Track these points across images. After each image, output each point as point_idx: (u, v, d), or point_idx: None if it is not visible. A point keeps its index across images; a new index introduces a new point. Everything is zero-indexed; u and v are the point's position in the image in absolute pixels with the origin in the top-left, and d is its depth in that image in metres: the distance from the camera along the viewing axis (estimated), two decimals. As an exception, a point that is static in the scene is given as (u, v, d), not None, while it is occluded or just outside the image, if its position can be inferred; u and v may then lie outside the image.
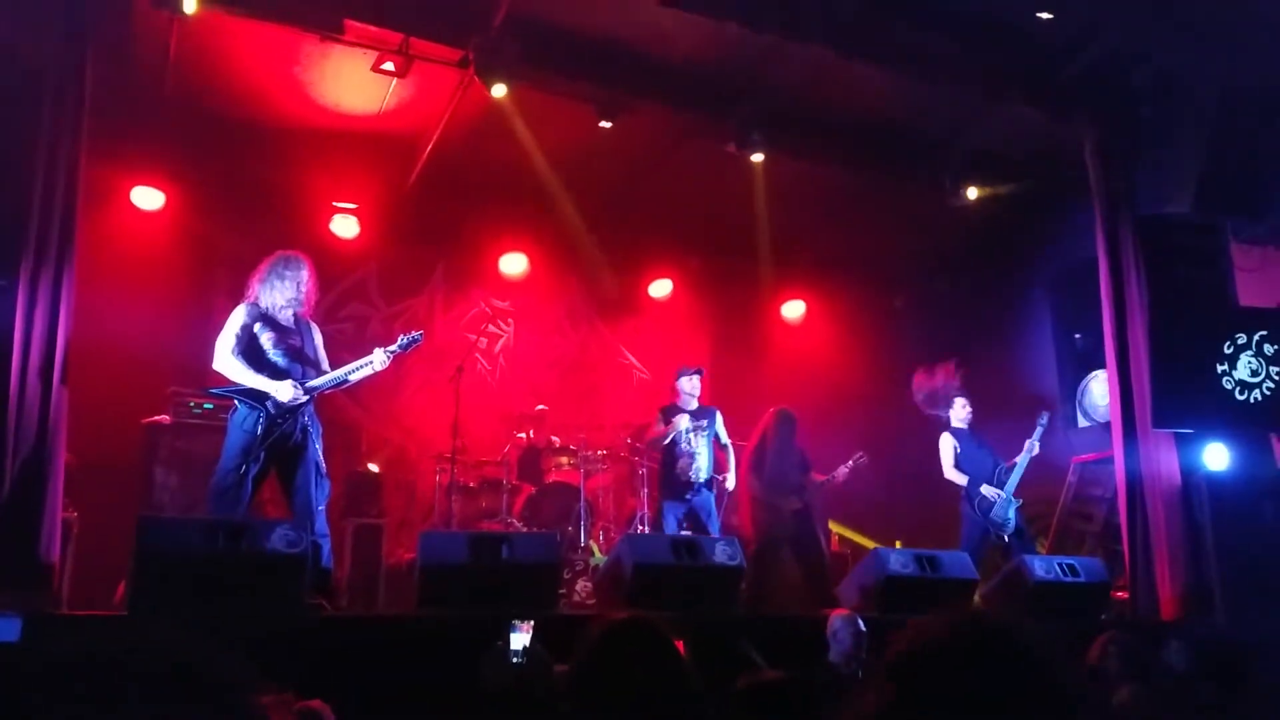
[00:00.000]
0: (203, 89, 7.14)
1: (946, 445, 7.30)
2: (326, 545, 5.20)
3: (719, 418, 7.27)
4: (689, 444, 6.98)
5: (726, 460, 7.25)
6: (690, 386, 7.25)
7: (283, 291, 5.38)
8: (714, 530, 6.84)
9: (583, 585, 7.17)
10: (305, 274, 5.46)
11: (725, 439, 7.30)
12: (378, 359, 5.34)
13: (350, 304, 8.97)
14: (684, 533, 6.70)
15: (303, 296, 5.45)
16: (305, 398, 5.22)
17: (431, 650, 4.19)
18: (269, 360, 5.26)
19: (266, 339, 5.28)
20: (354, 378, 5.43)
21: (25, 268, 5.18)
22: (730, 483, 7.18)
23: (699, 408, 7.22)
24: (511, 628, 2.38)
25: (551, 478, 8.01)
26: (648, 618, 2.17)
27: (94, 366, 5.91)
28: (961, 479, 7.16)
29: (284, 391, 5.12)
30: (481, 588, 4.90)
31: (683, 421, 7.01)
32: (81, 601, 5.32)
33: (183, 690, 0.56)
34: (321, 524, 5.17)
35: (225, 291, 7.12)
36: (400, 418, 8.87)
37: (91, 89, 5.46)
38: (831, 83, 7.24)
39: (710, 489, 7.05)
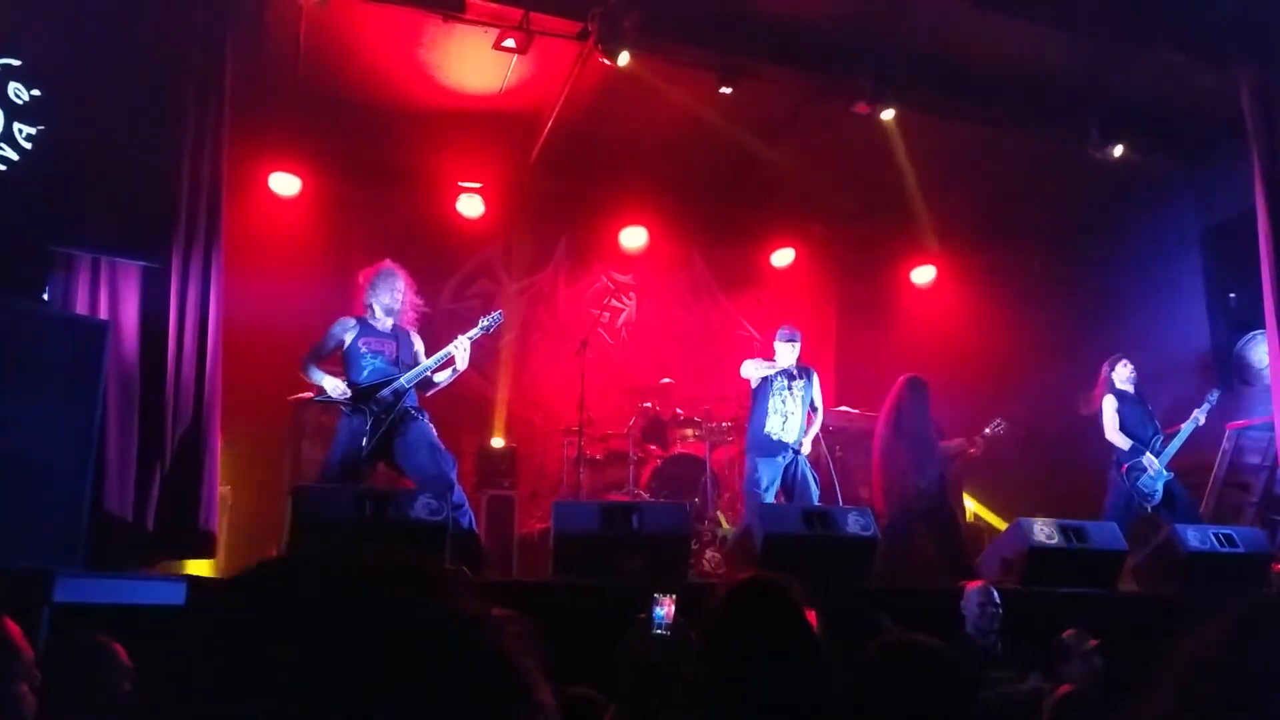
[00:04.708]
0: (332, 76, 7.35)
1: (1109, 407, 6.92)
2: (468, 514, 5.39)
3: (815, 379, 6.89)
4: (782, 402, 6.65)
5: (813, 422, 6.83)
6: (787, 355, 6.77)
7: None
8: (812, 498, 6.48)
9: (711, 555, 7.17)
10: (402, 284, 5.82)
11: (819, 402, 6.87)
12: (460, 347, 5.58)
13: (478, 281, 9.16)
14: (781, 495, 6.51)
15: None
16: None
17: (569, 615, 4.25)
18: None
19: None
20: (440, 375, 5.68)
21: (176, 253, 5.46)
22: (806, 448, 6.69)
23: (797, 367, 6.78)
24: (654, 601, 2.37)
25: (677, 449, 8.03)
26: (772, 576, 2.14)
27: (241, 346, 6.19)
28: (1125, 443, 6.79)
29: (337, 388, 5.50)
30: (613, 556, 4.95)
31: (762, 368, 6.71)
32: (237, 568, 5.61)
33: (436, 591, 0.58)
34: (459, 494, 5.32)
35: (359, 272, 7.35)
36: (527, 392, 9.03)
37: (231, 79, 5.69)
38: (963, 34, 6.93)
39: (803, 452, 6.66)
